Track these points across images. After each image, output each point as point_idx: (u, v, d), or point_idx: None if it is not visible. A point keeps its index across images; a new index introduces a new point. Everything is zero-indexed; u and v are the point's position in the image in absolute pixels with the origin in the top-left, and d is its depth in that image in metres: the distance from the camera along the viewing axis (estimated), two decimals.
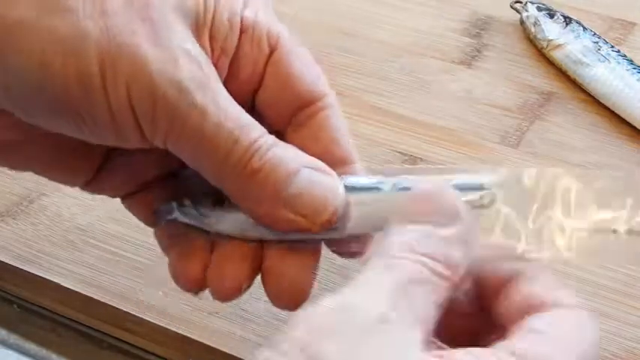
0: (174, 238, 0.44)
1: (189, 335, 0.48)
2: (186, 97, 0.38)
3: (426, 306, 0.35)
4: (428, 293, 0.35)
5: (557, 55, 0.64)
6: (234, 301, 0.49)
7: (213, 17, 0.40)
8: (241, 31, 0.42)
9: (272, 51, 0.42)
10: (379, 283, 0.35)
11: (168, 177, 0.44)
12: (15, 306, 0.52)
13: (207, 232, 0.43)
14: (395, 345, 0.33)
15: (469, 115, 0.61)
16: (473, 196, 0.40)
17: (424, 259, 0.36)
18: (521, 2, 0.67)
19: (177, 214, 0.43)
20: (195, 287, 0.43)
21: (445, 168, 0.48)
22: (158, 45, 0.38)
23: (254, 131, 0.40)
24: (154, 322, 0.49)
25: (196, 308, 0.49)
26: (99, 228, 0.53)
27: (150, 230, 0.52)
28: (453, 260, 0.36)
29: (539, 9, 0.66)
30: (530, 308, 0.36)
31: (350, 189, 0.41)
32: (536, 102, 0.62)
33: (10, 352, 0.51)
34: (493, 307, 0.38)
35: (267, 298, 0.50)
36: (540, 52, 0.65)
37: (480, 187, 0.40)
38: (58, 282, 0.51)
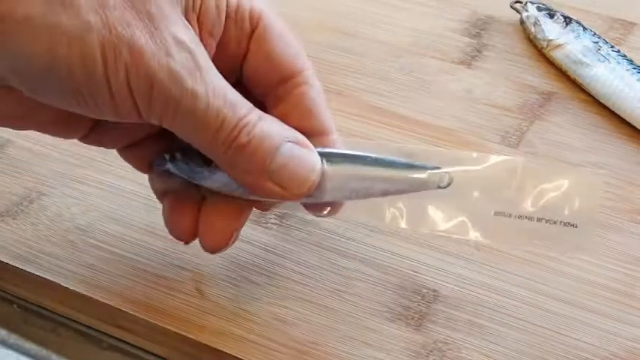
0: (169, 189, 0.48)
1: (188, 335, 0.48)
2: (179, 83, 0.42)
3: None
4: None
5: (557, 55, 0.64)
6: (234, 301, 0.49)
7: (201, 4, 0.45)
8: (227, 16, 0.46)
9: (254, 29, 0.46)
10: None
11: (162, 132, 0.47)
12: (15, 306, 0.52)
13: (196, 186, 0.47)
14: None
15: (469, 115, 0.61)
16: (431, 175, 0.46)
17: None
18: (521, 2, 0.67)
19: (169, 166, 0.47)
20: (186, 237, 0.48)
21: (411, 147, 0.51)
22: (153, 36, 0.42)
23: (241, 108, 0.44)
24: (154, 322, 0.49)
25: (196, 308, 0.49)
26: (99, 228, 0.53)
27: (150, 230, 0.52)
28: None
29: (539, 9, 0.66)
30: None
31: (326, 159, 0.45)
32: (536, 102, 0.62)
33: (10, 352, 0.51)
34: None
35: (267, 298, 0.50)
36: (540, 52, 0.65)
37: (437, 168, 0.46)
38: (58, 282, 0.51)
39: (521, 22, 0.66)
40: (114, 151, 0.49)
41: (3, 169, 0.56)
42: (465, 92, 0.62)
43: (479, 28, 0.67)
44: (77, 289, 0.50)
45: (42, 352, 0.51)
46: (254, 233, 0.53)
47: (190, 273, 0.51)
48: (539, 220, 0.46)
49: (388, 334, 0.48)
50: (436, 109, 0.61)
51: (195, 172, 0.46)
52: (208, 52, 0.44)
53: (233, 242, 0.47)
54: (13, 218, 0.54)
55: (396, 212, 0.48)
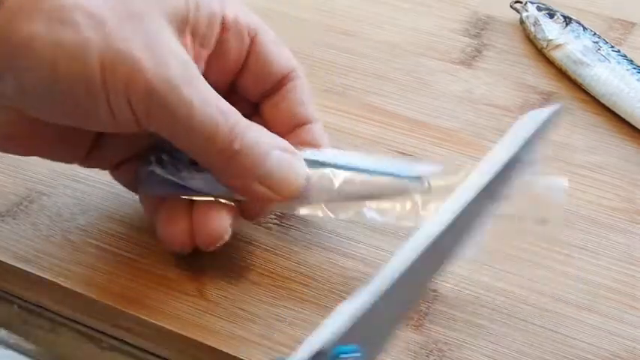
0: (158, 205, 0.50)
1: (188, 335, 0.48)
2: (176, 92, 0.45)
3: None
4: None
5: (557, 55, 0.64)
6: (234, 302, 0.49)
7: (195, 16, 0.47)
8: (225, 29, 0.49)
9: (252, 40, 0.50)
10: None
11: (149, 149, 0.50)
12: (15, 306, 0.52)
13: (182, 190, 0.48)
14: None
15: (469, 115, 0.61)
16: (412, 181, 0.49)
17: None
18: (521, 2, 0.67)
19: (154, 168, 0.49)
20: (182, 245, 0.49)
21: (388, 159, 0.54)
22: (150, 50, 0.45)
23: (232, 116, 0.46)
24: (154, 322, 0.49)
25: (196, 308, 0.49)
26: (99, 228, 0.53)
27: (150, 230, 0.52)
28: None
29: (539, 9, 0.66)
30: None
31: (310, 163, 0.49)
32: (536, 102, 0.62)
33: (10, 352, 0.51)
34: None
35: (267, 299, 0.50)
36: (540, 52, 0.65)
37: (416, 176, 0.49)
38: (58, 282, 0.51)
39: (521, 22, 0.66)
40: None
41: (3, 169, 0.56)
42: (465, 92, 0.62)
43: (479, 28, 0.67)
44: (77, 289, 0.50)
45: (42, 352, 0.51)
46: (254, 233, 0.53)
47: (190, 273, 0.51)
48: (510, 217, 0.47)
49: None
50: (436, 109, 0.61)
51: (181, 171, 0.48)
52: (199, 66, 0.47)
53: (228, 236, 0.49)
54: (13, 218, 0.54)
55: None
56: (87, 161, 0.51)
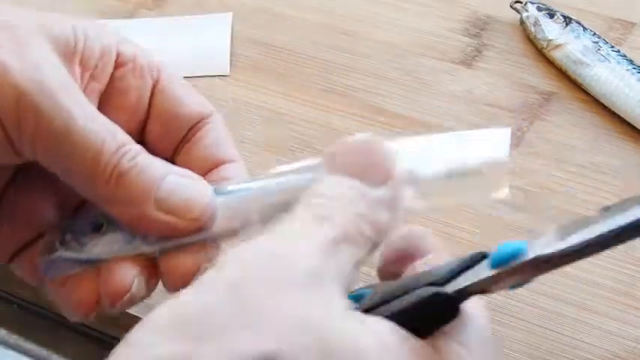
0: (63, 280, 0.43)
1: None
2: (51, 97, 0.39)
3: (349, 265, 0.35)
4: (353, 253, 0.36)
5: (557, 55, 0.64)
6: None
7: (84, 46, 0.43)
8: (120, 64, 0.44)
9: (155, 82, 0.45)
10: (310, 235, 0.35)
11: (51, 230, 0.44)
12: (15, 306, 0.52)
13: (92, 263, 0.43)
14: (321, 299, 0.34)
15: (469, 115, 0.61)
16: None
17: (355, 218, 0.36)
18: (521, 2, 0.67)
19: (60, 252, 0.43)
20: (88, 309, 0.43)
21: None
22: (20, 56, 0.40)
23: (120, 136, 0.41)
24: None
25: None
26: None
27: None
28: (380, 224, 0.37)
29: (539, 9, 0.66)
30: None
31: (219, 193, 0.42)
32: (536, 102, 0.62)
33: (10, 352, 0.51)
34: None
35: None
36: (540, 52, 0.65)
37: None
38: None
39: (521, 22, 0.66)
40: None
41: None
42: (465, 92, 0.62)
43: (479, 28, 0.67)
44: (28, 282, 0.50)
45: (42, 352, 0.51)
46: None
47: None
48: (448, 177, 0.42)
49: None
50: (436, 109, 0.61)
51: (85, 243, 0.43)
52: (90, 99, 0.42)
53: (137, 291, 0.42)
54: None
55: None
56: None
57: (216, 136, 0.45)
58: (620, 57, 0.62)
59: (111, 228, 0.43)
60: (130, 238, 0.42)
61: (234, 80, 0.63)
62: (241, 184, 0.43)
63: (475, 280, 0.36)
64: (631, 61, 0.62)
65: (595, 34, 0.64)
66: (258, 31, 0.66)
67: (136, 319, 0.49)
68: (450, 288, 0.36)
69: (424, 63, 0.64)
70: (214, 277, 0.34)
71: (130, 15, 0.68)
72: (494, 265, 0.35)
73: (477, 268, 0.36)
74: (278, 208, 0.40)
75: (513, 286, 0.36)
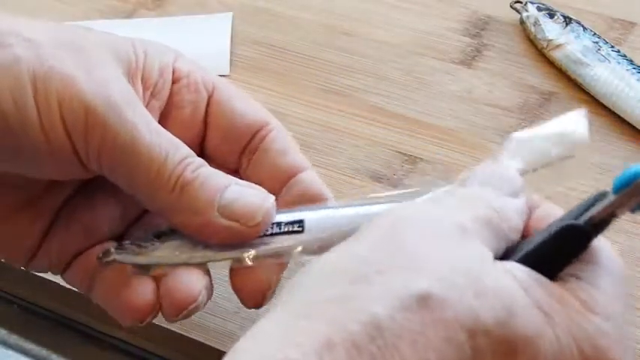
0: (119, 287, 0.44)
1: (188, 335, 0.48)
2: (117, 112, 0.40)
3: (488, 247, 0.37)
4: (492, 239, 0.37)
5: (557, 55, 0.64)
6: (234, 302, 0.49)
7: (144, 64, 0.44)
8: (175, 80, 0.46)
9: (210, 93, 0.46)
10: (458, 208, 0.38)
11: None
12: (15, 306, 0.52)
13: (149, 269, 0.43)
14: (472, 248, 0.36)
15: (469, 115, 0.61)
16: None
17: (498, 211, 0.38)
18: (521, 2, 0.67)
19: (114, 256, 0.44)
20: (145, 316, 0.43)
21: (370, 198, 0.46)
22: (88, 71, 0.41)
23: (183, 149, 0.42)
24: (154, 321, 0.49)
25: None
26: None
27: None
28: (515, 226, 0.39)
29: (539, 9, 0.66)
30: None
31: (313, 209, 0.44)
32: (536, 102, 0.62)
33: (10, 352, 0.51)
34: None
35: None
36: (540, 52, 0.65)
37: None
38: (58, 282, 0.50)
39: (521, 22, 0.66)
40: None
41: None
42: (465, 92, 0.62)
43: (479, 28, 0.67)
44: (77, 289, 0.50)
45: (42, 352, 0.51)
46: None
47: None
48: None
49: None
50: (436, 109, 0.61)
51: (144, 247, 0.44)
52: (151, 114, 0.43)
53: (201, 302, 0.43)
54: None
55: None
56: (35, 258, 0.45)
57: (283, 145, 0.46)
58: (620, 57, 0.62)
59: (171, 236, 0.43)
60: (192, 245, 0.43)
61: (234, 80, 0.63)
62: (337, 206, 0.45)
63: (600, 208, 0.37)
64: (631, 61, 0.62)
65: (595, 34, 0.64)
66: (258, 31, 0.66)
67: None
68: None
69: (424, 63, 0.64)
70: (370, 228, 0.36)
71: (130, 15, 0.68)
72: (615, 190, 0.37)
73: (602, 201, 0.38)
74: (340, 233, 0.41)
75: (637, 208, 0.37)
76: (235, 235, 0.42)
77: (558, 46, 0.64)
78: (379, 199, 0.45)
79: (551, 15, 0.65)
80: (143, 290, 0.43)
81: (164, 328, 0.49)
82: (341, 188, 0.56)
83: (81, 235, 0.45)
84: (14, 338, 0.51)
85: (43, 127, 0.40)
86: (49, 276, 0.51)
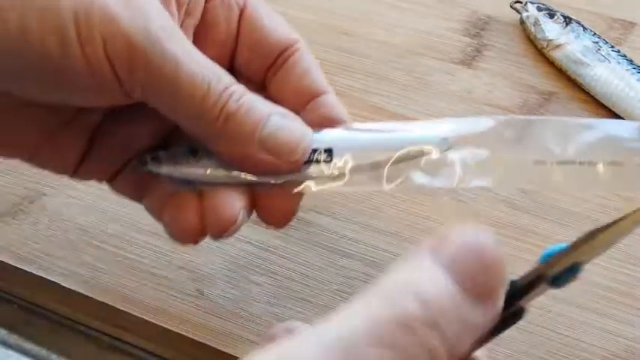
0: (164, 202, 0.45)
1: (188, 335, 0.48)
2: (159, 45, 0.41)
3: None
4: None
5: (557, 55, 0.64)
6: (234, 302, 0.49)
7: None
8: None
9: (241, 10, 0.47)
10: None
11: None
12: (15, 306, 0.52)
13: (186, 184, 0.45)
14: None
15: (469, 115, 0.61)
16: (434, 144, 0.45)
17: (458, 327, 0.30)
18: (521, 2, 0.67)
19: (151, 166, 0.45)
20: (195, 235, 0.44)
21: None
22: (127, 4, 0.41)
23: (226, 78, 0.43)
24: (154, 321, 0.49)
25: (196, 308, 0.49)
26: (99, 228, 0.53)
27: (150, 230, 0.52)
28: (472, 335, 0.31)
29: (539, 9, 0.66)
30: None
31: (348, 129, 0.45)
32: (536, 102, 0.62)
33: (10, 352, 0.51)
34: None
35: (267, 299, 0.50)
36: (540, 52, 0.65)
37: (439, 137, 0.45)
38: (58, 282, 0.51)
39: (521, 22, 0.66)
40: None
41: (3, 169, 0.56)
42: (465, 92, 0.62)
43: (479, 28, 0.67)
44: (77, 289, 0.50)
45: (42, 352, 0.51)
46: (254, 233, 0.53)
47: (191, 273, 0.51)
48: (581, 163, 0.44)
49: None
50: (436, 109, 0.61)
51: (179, 162, 0.45)
52: (187, 35, 0.44)
53: (242, 221, 0.44)
54: (13, 218, 0.54)
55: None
56: (80, 170, 0.46)
57: (307, 65, 0.47)
58: (620, 57, 0.62)
59: (206, 155, 0.44)
60: (227, 165, 0.44)
61: None
62: (370, 127, 0.46)
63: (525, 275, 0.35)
64: (631, 61, 0.62)
65: (595, 34, 0.64)
66: None
67: (137, 320, 0.49)
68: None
69: (424, 63, 0.64)
70: None
71: None
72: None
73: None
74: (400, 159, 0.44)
75: (558, 279, 0.34)
76: (273, 169, 0.44)
77: (558, 46, 0.64)
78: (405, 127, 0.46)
79: (551, 15, 0.65)
80: (189, 211, 0.44)
81: (164, 328, 0.49)
82: None
83: (119, 148, 0.46)
84: (14, 338, 0.51)
85: (89, 62, 0.41)
86: (49, 276, 0.51)
